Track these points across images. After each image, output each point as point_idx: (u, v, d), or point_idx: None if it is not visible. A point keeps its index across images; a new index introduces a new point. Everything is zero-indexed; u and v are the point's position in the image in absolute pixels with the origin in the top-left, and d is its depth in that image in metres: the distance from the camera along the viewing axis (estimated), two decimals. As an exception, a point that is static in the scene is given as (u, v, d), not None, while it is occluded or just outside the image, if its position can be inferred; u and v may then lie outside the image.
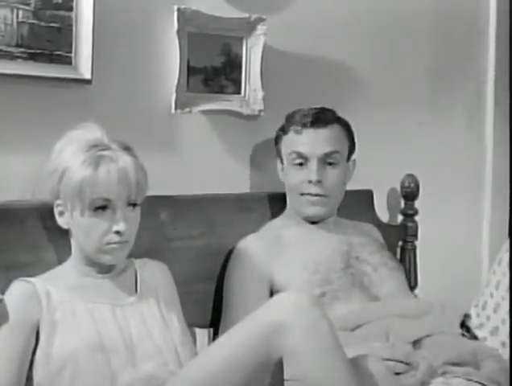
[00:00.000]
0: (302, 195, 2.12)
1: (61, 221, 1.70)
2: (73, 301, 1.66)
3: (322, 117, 2.10)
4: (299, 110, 2.13)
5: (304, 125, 2.10)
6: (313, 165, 2.09)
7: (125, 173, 1.64)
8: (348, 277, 2.05)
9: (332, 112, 2.14)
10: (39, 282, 1.66)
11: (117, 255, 1.69)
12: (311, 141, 2.10)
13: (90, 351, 1.60)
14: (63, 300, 1.65)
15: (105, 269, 1.73)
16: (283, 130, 2.15)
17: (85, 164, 1.62)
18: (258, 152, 2.32)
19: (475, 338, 2.00)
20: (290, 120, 2.14)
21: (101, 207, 1.64)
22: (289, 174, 2.14)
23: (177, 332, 1.73)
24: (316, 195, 2.10)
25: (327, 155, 2.09)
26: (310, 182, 2.09)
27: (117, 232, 1.65)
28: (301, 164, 2.12)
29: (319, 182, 2.08)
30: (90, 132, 1.69)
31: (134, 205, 1.68)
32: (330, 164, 2.10)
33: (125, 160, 1.65)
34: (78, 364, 1.59)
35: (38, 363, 1.60)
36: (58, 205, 1.69)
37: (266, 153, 2.28)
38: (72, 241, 1.73)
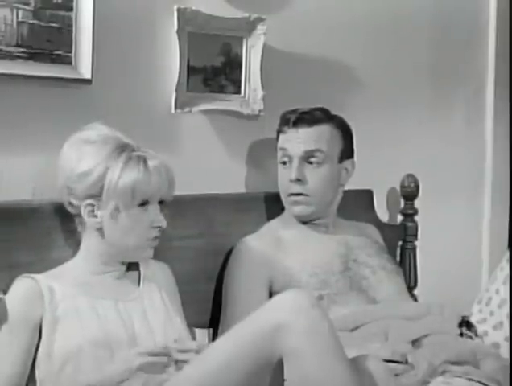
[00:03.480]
0: (288, 195, 2.12)
1: (93, 221, 1.70)
2: (76, 296, 1.67)
3: (307, 117, 2.10)
4: (293, 110, 2.13)
5: (288, 124, 2.11)
6: (294, 163, 2.09)
7: (168, 169, 1.72)
8: (346, 280, 2.05)
9: (325, 111, 2.14)
10: (43, 278, 1.67)
11: (151, 251, 1.75)
12: (293, 140, 2.10)
13: (93, 347, 1.61)
14: (65, 296, 1.66)
15: (128, 266, 1.77)
16: (278, 130, 2.16)
17: (132, 163, 1.67)
18: (257, 152, 2.32)
19: (475, 334, 2.00)
20: (280, 119, 2.15)
21: (143, 204, 1.69)
22: (278, 173, 2.15)
23: (180, 329, 1.74)
24: (298, 194, 2.11)
25: (307, 154, 2.09)
26: (291, 180, 2.10)
27: (159, 227, 1.72)
28: (285, 162, 2.13)
29: (299, 180, 2.09)
30: (103, 131, 1.72)
31: (162, 202, 1.74)
32: (312, 163, 2.10)
33: (160, 158, 1.72)
34: (81, 360, 1.59)
35: (40, 360, 1.61)
36: (88, 205, 1.69)
37: (266, 152, 2.28)
38: (97, 240, 1.72)
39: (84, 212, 1.70)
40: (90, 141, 1.70)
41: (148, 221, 1.71)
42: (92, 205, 1.69)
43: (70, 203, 1.72)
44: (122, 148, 1.69)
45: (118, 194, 1.66)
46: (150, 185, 1.69)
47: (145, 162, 1.68)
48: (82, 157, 1.68)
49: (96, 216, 1.69)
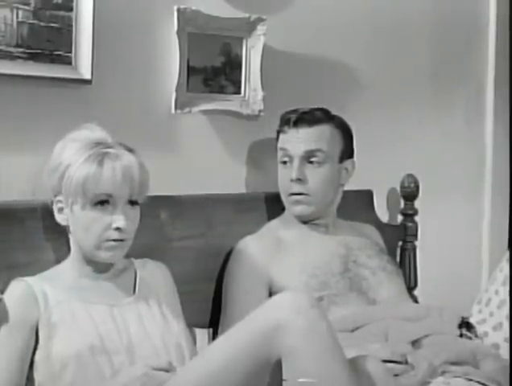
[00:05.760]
0: (289, 194, 2.12)
1: (60, 218, 1.71)
2: (71, 301, 1.66)
3: (307, 117, 2.10)
4: (293, 110, 2.13)
5: (288, 124, 2.11)
6: (295, 163, 2.09)
7: (129, 170, 1.65)
8: (346, 282, 2.05)
9: (325, 112, 2.14)
10: (36, 282, 1.67)
11: (115, 253, 1.69)
12: (293, 140, 2.10)
13: (91, 352, 1.60)
14: (60, 301, 1.65)
15: (103, 268, 1.73)
16: (278, 130, 2.16)
17: (90, 160, 1.63)
18: (257, 152, 2.32)
19: (475, 335, 2.00)
20: (281, 119, 2.15)
21: (102, 202, 1.64)
22: (278, 173, 2.16)
23: (178, 331, 1.73)
24: (299, 193, 2.10)
25: (308, 154, 2.09)
26: (292, 180, 2.10)
27: (117, 229, 1.65)
28: (285, 162, 2.13)
29: (299, 180, 2.09)
30: (93, 132, 1.70)
31: (134, 203, 1.69)
32: (313, 163, 2.10)
33: (129, 158, 1.67)
34: (78, 365, 1.59)
35: (38, 364, 1.61)
36: (58, 201, 1.69)
37: (266, 153, 2.28)
38: (71, 239, 1.73)
39: (54, 209, 1.71)
40: (74, 141, 1.69)
41: (106, 222, 1.65)
42: (61, 202, 1.69)
43: (51, 202, 1.73)
44: (93, 145, 1.66)
45: (72, 190, 1.64)
46: (101, 184, 1.63)
47: (101, 160, 1.64)
48: (60, 155, 1.68)
49: (64, 214, 1.69)
